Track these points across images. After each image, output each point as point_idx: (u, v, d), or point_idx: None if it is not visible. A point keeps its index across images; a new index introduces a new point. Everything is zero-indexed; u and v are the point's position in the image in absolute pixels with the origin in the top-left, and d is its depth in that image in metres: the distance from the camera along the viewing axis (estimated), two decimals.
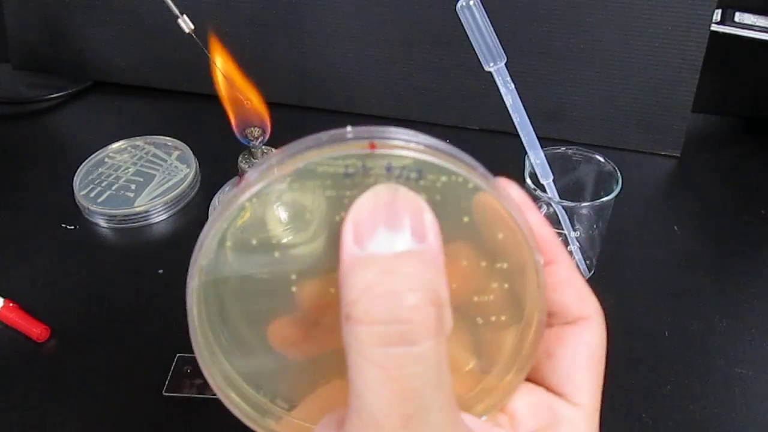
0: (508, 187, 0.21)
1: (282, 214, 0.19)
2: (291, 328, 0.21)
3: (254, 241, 0.20)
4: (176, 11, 0.47)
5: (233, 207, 0.19)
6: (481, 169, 0.20)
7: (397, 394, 0.17)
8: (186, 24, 0.48)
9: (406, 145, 0.19)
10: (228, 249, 0.20)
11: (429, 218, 0.18)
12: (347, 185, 0.19)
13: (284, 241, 0.20)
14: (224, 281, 0.20)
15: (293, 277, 0.20)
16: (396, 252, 0.18)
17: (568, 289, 0.23)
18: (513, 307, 0.22)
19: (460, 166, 0.19)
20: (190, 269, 0.19)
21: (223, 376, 0.21)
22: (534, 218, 0.22)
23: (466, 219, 0.20)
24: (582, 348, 0.22)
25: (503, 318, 0.22)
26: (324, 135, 0.19)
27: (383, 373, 0.17)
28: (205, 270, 0.19)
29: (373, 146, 0.18)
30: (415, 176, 0.19)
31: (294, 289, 0.20)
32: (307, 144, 0.19)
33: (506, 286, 0.21)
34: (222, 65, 0.45)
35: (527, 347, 0.22)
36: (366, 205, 0.18)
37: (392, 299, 0.17)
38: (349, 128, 0.19)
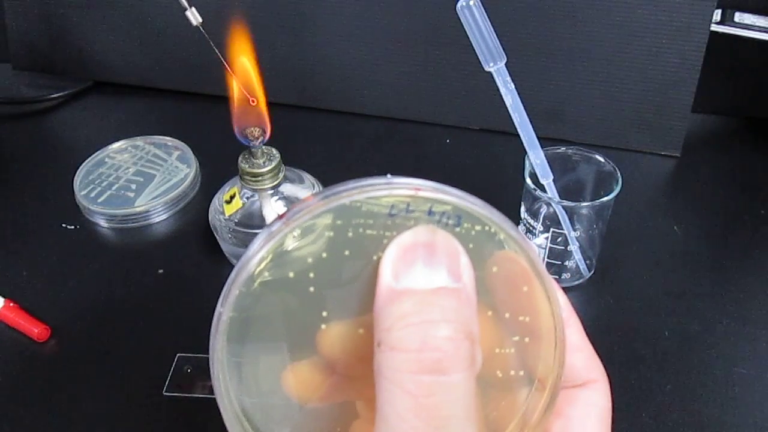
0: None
1: (323, 247, 0.19)
2: (308, 373, 0.21)
3: (291, 274, 0.20)
4: (184, 3, 0.47)
5: (275, 239, 0.19)
6: (510, 223, 0.20)
7: (425, 422, 0.17)
8: (194, 17, 0.47)
9: (448, 192, 0.19)
10: (264, 281, 0.20)
11: (465, 261, 0.19)
12: (388, 225, 0.19)
13: (322, 276, 0.20)
14: (253, 313, 0.20)
15: (324, 314, 0.20)
16: (432, 287, 0.18)
17: (578, 353, 0.23)
18: (531, 364, 0.22)
19: (493, 219, 0.20)
20: (221, 299, 0.19)
21: (236, 415, 0.21)
22: (551, 280, 0.22)
23: (495, 269, 0.20)
24: (592, 409, 0.23)
25: (521, 373, 0.22)
26: (367, 179, 0.19)
27: (413, 400, 0.17)
28: (238, 301, 0.19)
29: (417, 190, 0.19)
30: (453, 222, 0.20)
31: (323, 326, 0.20)
32: (351, 185, 0.19)
33: (527, 340, 0.21)
34: (237, 62, 0.45)
35: (541, 407, 0.22)
36: (405, 243, 0.19)
37: (427, 328, 0.17)
38: (389, 175, 0.20)
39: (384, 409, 0.17)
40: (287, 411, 0.22)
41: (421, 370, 0.17)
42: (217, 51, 0.45)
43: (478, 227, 0.20)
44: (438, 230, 0.19)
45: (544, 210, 0.48)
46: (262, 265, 0.19)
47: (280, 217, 0.19)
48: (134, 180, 0.59)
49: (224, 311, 0.19)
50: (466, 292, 0.19)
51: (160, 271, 0.52)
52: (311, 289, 0.20)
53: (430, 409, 0.17)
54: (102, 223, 0.57)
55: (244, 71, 0.45)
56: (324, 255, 0.19)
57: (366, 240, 0.19)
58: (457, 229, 0.20)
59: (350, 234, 0.19)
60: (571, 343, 0.22)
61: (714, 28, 0.57)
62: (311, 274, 0.20)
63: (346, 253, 0.19)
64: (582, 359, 0.23)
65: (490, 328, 0.21)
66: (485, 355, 0.19)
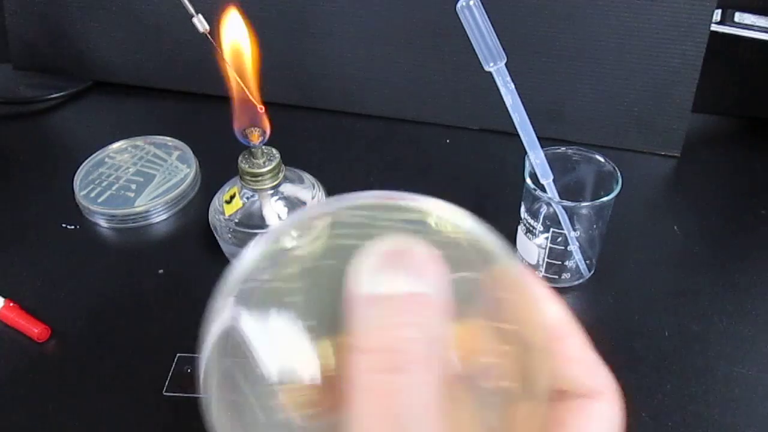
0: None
1: (312, 257, 0.20)
2: (304, 388, 0.21)
3: (280, 284, 0.20)
4: (191, 10, 0.47)
5: (264, 246, 0.19)
6: (495, 236, 0.20)
7: (386, 421, 0.17)
8: (201, 23, 0.48)
9: (430, 202, 0.20)
10: (251, 291, 0.19)
11: (436, 268, 0.19)
12: (365, 235, 0.19)
13: (310, 287, 0.20)
14: (245, 327, 0.20)
15: (315, 325, 0.20)
16: (399, 292, 0.18)
17: (577, 364, 0.23)
18: (522, 374, 0.21)
19: (479, 229, 0.20)
20: (219, 300, 0.19)
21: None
22: (543, 293, 0.23)
23: (485, 279, 0.20)
24: (596, 421, 0.22)
25: (511, 384, 0.21)
26: (355, 194, 0.20)
27: (374, 399, 0.17)
28: (227, 313, 0.19)
29: (400, 199, 0.19)
30: (434, 230, 0.20)
31: (317, 340, 0.20)
32: (348, 195, 0.20)
33: (517, 350, 0.21)
34: (237, 65, 0.45)
35: (532, 418, 0.21)
36: (375, 250, 0.19)
37: (389, 330, 0.18)
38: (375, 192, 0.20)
39: (348, 410, 0.18)
40: (283, 428, 0.21)
41: (380, 370, 0.17)
42: (222, 54, 0.45)
43: (462, 236, 0.20)
44: (410, 237, 0.19)
45: (544, 210, 0.48)
46: (253, 274, 0.19)
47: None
48: (134, 180, 0.59)
49: (221, 310, 0.19)
50: (435, 297, 0.19)
51: (160, 271, 0.52)
52: (300, 299, 0.20)
53: (389, 408, 0.17)
54: (102, 223, 0.57)
55: (245, 73, 0.45)
56: (311, 265, 0.20)
57: (346, 250, 0.19)
58: (440, 238, 0.20)
59: (338, 242, 0.20)
60: (570, 354, 0.22)
61: (714, 28, 0.57)
62: (299, 284, 0.20)
63: (332, 262, 0.19)
64: (583, 370, 0.23)
65: (479, 338, 0.21)
66: (473, 365, 0.19)
